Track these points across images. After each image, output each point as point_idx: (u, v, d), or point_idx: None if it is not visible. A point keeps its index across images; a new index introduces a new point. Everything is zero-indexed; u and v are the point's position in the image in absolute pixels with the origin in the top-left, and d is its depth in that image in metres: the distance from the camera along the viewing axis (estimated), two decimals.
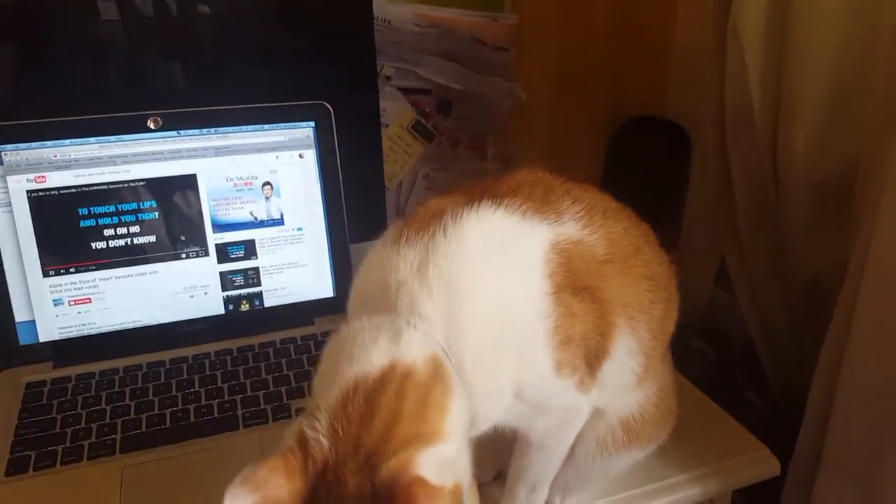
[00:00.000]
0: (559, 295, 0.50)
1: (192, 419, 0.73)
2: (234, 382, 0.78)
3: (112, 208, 0.80)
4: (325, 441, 0.43)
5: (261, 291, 0.86)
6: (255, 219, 0.84)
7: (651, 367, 0.61)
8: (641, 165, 1.20)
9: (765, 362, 1.03)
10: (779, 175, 0.92)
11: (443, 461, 0.44)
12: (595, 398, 0.57)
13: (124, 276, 0.82)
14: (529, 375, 0.51)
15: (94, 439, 0.71)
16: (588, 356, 0.54)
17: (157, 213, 0.82)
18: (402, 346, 0.46)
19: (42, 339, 0.81)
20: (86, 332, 0.82)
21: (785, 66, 0.87)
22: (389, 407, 0.44)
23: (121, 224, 0.81)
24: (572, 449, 0.62)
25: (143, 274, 0.82)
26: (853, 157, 0.82)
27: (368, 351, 0.46)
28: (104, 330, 0.82)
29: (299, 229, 0.86)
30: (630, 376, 0.60)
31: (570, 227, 0.53)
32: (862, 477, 0.67)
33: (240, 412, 0.74)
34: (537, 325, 0.50)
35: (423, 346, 0.46)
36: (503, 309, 0.50)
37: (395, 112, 1.03)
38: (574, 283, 0.52)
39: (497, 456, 0.66)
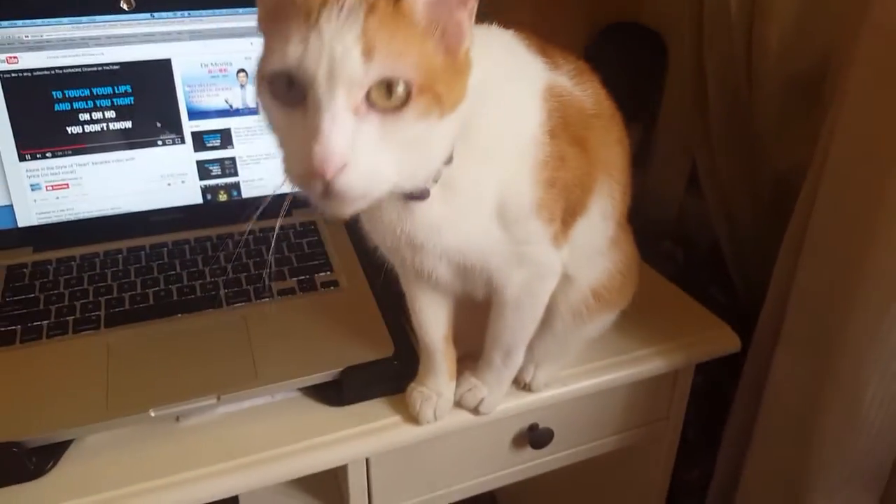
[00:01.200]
0: (553, 135, 0.53)
1: (175, 297, 0.75)
2: (215, 266, 0.79)
3: (87, 92, 0.79)
4: None
5: (238, 182, 0.87)
6: (231, 107, 0.84)
7: (617, 234, 0.64)
8: (618, 72, 1.20)
9: (729, 261, 1.07)
10: (752, 72, 0.93)
11: None
12: (566, 258, 0.60)
13: (101, 162, 0.82)
14: (512, 196, 0.53)
15: (78, 315, 0.72)
16: (567, 209, 0.57)
17: (132, 99, 0.81)
18: None
19: (21, 223, 0.81)
20: (65, 217, 0.82)
21: None
22: None
23: (96, 109, 0.80)
24: (551, 322, 0.65)
25: (119, 160, 0.82)
26: (825, 51, 0.83)
27: None
28: (83, 216, 0.83)
29: None
30: (602, 241, 0.63)
31: (564, 79, 0.56)
32: (819, 342, 0.71)
33: (222, 292, 0.76)
34: (532, 147, 0.52)
35: None
36: (511, 110, 0.52)
37: None
38: (567, 130, 0.54)
39: (470, 336, 0.69)
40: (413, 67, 0.41)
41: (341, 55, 0.39)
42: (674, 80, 1.17)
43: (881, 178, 0.63)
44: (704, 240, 1.15)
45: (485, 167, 0.51)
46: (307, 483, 0.76)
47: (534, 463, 0.77)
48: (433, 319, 0.65)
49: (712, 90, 1.00)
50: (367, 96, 0.41)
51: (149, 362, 0.68)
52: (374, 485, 0.70)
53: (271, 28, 0.43)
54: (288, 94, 0.42)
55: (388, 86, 0.41)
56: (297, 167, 0.42)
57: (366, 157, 0.41)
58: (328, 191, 0.41)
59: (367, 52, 0.40)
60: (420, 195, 0.50)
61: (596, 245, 0.63)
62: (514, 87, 0.53)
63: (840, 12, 0.81)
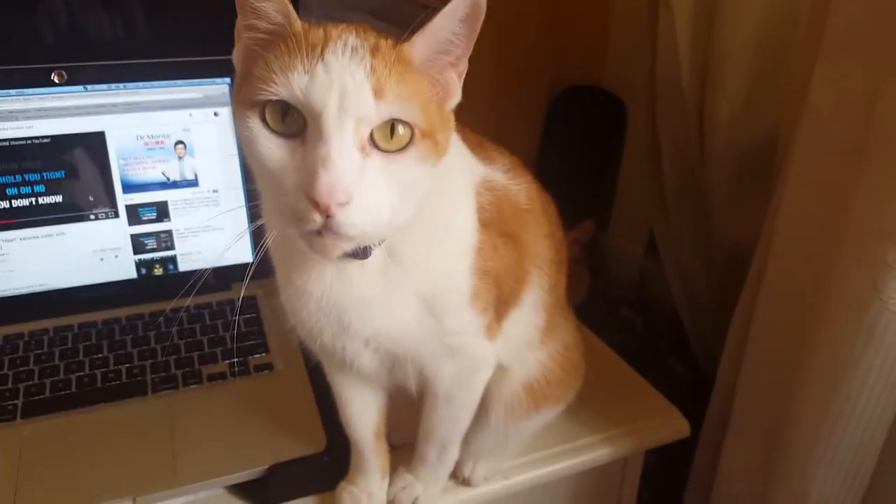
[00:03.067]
0: (486, 225, 0.53)
1: (98, 384, 0.71)
2: (144, 348, 0.76)
3: (15, 166, 0.76)
4: None
5: (175, 255, 0.84)
6: (168, 179, 0.81)
7: (552, 325, 0.62)
8: (578, 134, 1.20)
9: (688, 331, 1.06)
10: (705, 146, 0.93)
11: None
12: (500, 350, 0.58)
13: (30, 238, 0.78)
14: (448, 282, 0.52)
15: None
16: (499, 300, 0.56)
17: (63, 172, 0.78)
18: None
19: None
20: None
21: (712, 38, 0.88)
22: None
23: (25, 182, 0.77)
24: (486, 416, 0.63)
25: (49, 235, 0.79)
26: (774, 129, 0.83)
27: None
28: (9, 293, 0.79)
29: (215, 191, 0.83)
30: (533, 332, 0.61)
31: (499, 175, 0.57)
32: (766, 433, 0.69)
33: (149, 377, 0.72)
34: (469, 233, 0.52)
35: None
36: (453, 197, 0.52)
37: None
38: (500, 223, 0.55)
39: (407, 425, 0.66)
40: (418, 112, 0.42)
41: (353, 90, 0.40)
42: (633, 142, 1.17)
43: (824, 261, 0.62)
44: (665, 305, 1.13)
45: (429, 244, 0.51)
46: None
47: None
48: (362, 414, 0.62)
49: (666, 158, 1.00)
50: (371, 137, 0.41)
51: (64, 459, 0.64)
52: None
53: (258, 59, 0.42)
54: (282, 124, 0.41)
55: (391, 127, 0.41)
56: (294, 198, 0.40)
57: (369, 193, 0.41)
58: (327, 225, 0.40)
59: (378, 91, 0.40)
60: (362, 253, 0.48)
61: (527, 337, 0.61)
62: (456, 175, 0.53)
63: (787, 90, 0.81)
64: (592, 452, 0.72)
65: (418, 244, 0.50)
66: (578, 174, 1.19)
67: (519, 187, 0.58)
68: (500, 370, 0.61)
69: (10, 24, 0.82)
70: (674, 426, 0.76)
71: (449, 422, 0.61)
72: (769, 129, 0.85)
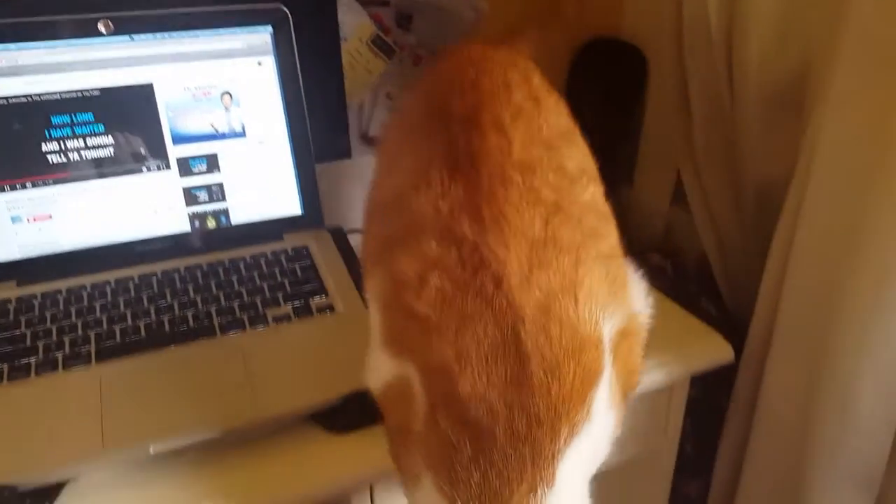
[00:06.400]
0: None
1: (167, 329, 0.73)
2: (207, 294, 0.78)
3: (67, 119, 0.77)
4: None
5: (227, 208, 0.85)
6: (217, 130, 0.82)
7: None
8: (600, 87, 1.22)
9: (717, 273, 1.09)
10: (734, 86, 0.95)
11: None
12: None
13: (84, 191, 0.79)
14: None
15: (67, 351, 0.70)
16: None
17: (114, 125, 0.79)
18: None
19: (2, 258, 0.78)
20: (48, 250, 0.80)
21: None
22: None
23: (76, 136, 0.78)
24: None
25: (104, 188, 0.80)
26: (805, 61, 0.85)
27: None
28: (67, 248, 0.80)
29: (262, 143, 0.85)
30: None
31: None
32: (809, 351, 0.72)
33: (216, 320, 0.74)
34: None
35: None
36: None
37: (352, 26, 1.00)
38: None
39: None
40: None
41: None
42: (655, 93, 1.19)
43: (867, 180, 0.65)
44: (693, 252, 1.16)
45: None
46: None
47: None
48: None
49: (695, 102, 1.02)
50: None
51: (144, 394, 0.66)
52: None
53: None
54: None
55: None
56: None
57: None
58: None
59: None
60: None
61: None
62: None
63: (818, 22, 0.83)
64: (642, 376, 0.75)
65: None
66: (603, 127, 1.21)
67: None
68: None
69: None
70: (718, 350, 0.80)
71: None
72: (799, 62, 0.87)
